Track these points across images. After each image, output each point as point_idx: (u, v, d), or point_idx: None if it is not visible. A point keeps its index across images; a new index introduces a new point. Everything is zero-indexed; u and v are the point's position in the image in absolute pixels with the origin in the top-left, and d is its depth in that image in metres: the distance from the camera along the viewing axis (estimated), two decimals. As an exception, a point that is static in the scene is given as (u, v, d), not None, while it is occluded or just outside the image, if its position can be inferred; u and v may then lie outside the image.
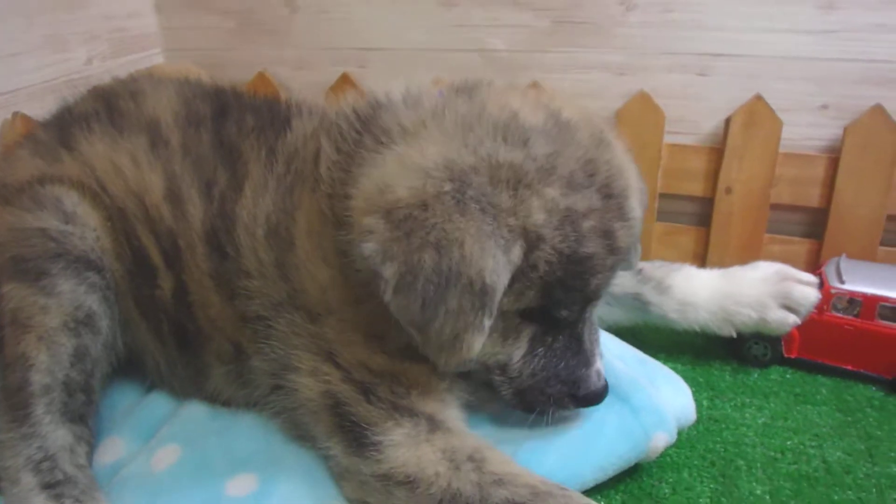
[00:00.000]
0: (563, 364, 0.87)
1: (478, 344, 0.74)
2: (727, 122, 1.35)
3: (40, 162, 0.98)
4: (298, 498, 0.85)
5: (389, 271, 0.71)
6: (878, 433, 1.05)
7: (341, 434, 0.83)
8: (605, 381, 0.90)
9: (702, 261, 1.43)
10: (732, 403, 1.12)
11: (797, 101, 1.34)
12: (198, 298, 0.94)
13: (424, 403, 0.85)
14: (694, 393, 1.13)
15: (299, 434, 0.91)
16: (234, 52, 1.66)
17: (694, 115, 1.40)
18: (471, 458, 0.80)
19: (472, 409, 0.94)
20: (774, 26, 1.31)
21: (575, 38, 1.42)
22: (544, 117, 0.83)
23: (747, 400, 1.13)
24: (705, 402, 1.13)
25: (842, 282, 1.16)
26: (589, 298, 0.85)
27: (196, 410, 1.01)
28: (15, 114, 1.29)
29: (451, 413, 0.88)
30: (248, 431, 0.96)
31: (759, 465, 0.99)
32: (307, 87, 1.61)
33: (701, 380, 1.19)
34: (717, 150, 1.38)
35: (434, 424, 0.83)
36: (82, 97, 1.09)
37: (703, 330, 1.17)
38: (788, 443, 1.03)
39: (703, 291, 1.15)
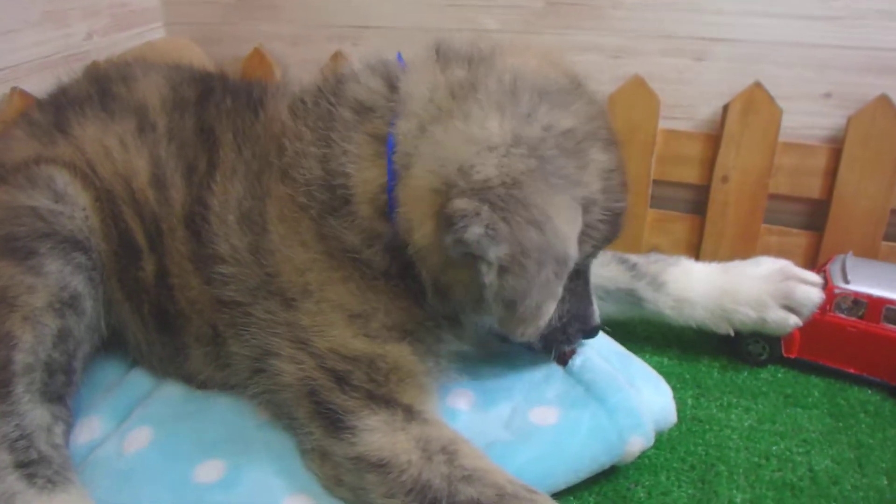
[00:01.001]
0: (580, 304, 0.92)
1: (553, 310, 0.76)
2: (725, 109, 1.29)
3: (36, 143, 0.99)
4: (265, 487, 0.84)
5: (500, 253, 0.71)
6: (870, 441, 1.00)
7: (320, 419, 0.83)
8: None
9: (696, 250, 1.38)
10: (718, 403, 1.08)
11: (799, 88, 1.28)
12: (178, 281, 0.95)
13: (403, 391, 0.84)
14: (678, 390, 1.10)
15: (281, 415, 0.91)
16: (233, 26, 1.62)
17: (690, 100, 1.35)
18: (444, 450, 0.79)
19: (453, 380, 0.95)
20: (775, 11, 1.25)
21: (569, 20, 1.37)
22: (566, 77, 0.85)
23: (734, 400, 1.09)
24: (690, 401, 1.08)
25: (846, 281, 1.10)
26: (610, 243, 0.89)
27: (172, 392, 1.01)
28: (13, 89, 1.28)
29: (429, 403, 0.87)
30: (220, 416, 0.95)
31: (741, 470, 0.95)
32: (302, 63, 1.58)
33: (687, 376, 1.14)
34: (713, 137, 1.33)
35: (411, 414, 0.83)
36: (77, 79, 1.09)
37: (699, 327, 1.12)
38: (774, 448, 0.99)
39: (700, 288, 1.11)
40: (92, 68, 1.13)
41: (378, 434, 0.80)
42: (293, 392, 0.85)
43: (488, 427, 0.93)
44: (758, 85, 1.25)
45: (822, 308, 1.09)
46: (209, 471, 0.86)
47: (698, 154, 1.34)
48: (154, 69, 1.06)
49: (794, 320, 1.07)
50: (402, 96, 0.83)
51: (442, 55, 0.86)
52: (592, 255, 0.88)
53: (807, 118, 1.30)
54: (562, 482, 0.88)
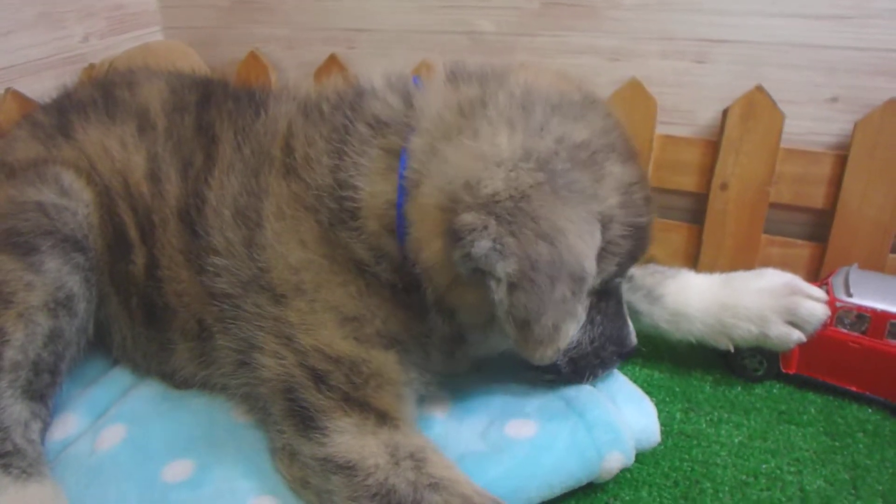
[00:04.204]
0: (614, 325, 0.89)
1: (572, 331, 0.74)
2: (724, 113, 1.25)
3: (38, 145, 1.03)
4: (232, 488, 0.84)
5: (508, 268, 0.70)
6: (867, 462, 0.95)
7: (293, 417, 0.83)
8: None
9: (693, 260, 1.34)
10: (708, 418, 1.04)
11: (803, 92, 1.24)
12: (168, 273, 0.96)
13: (379, 397, 0.83)
14: (667, 403, 1.07)
15: (256, 410, 0.91)
16: (230, 30, 1.63)
17: (689, 104, 1.31)
18: (412, 457, 0.79)
19: (429, 398, 0.94)
20: (779, 10, 1.21)
21: (565, 21, 1.34)
22: (580, 92, 0.85)
23: (725, 415, 1.04)
24: (678, 415, 1.05)
25: (849, 294, 1.05)
26: (637, 261, 0.87)
27: (149, 390, 1.02)
28: (8, 90, 1.31)
29: (404, 410, 0.86)
30: (194, 416, 0.96)
31: (727, 488, 0.91)
32: (297, 67, 1.58)
33: (677, 389, 1.10)
34: (712, 143, 1.28)
35: (383, 420, 0.82)
36: (82, 85, 1.14)
37: (698, 342, 1.08)
38: (764, 466, 0.95)
39: (699, 301, 1.07)
40: (96, 77, 1.16)
41: (347, 436, 0.80)
42: (270, 387, 0.86)
43: (463, 437, 0.92)
44: (759, 88, 1.21)
45: (823, 322, 1.04)
46: (177, 470, 0.86)
47: (697, 160, 1.30)
48: (157, 75, 1.10)
49: (797, 336, 1.03)
50: (416, 113, 0.83)
51: (454, 75, 0.87)
52: (619, 273, 0.86)
53: (811, 123, 1.25)
54: (535, 497, 0.86)
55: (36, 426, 0.88)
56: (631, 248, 0.81)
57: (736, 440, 0.99)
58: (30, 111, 1.14)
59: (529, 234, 0.70)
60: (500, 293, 0.71)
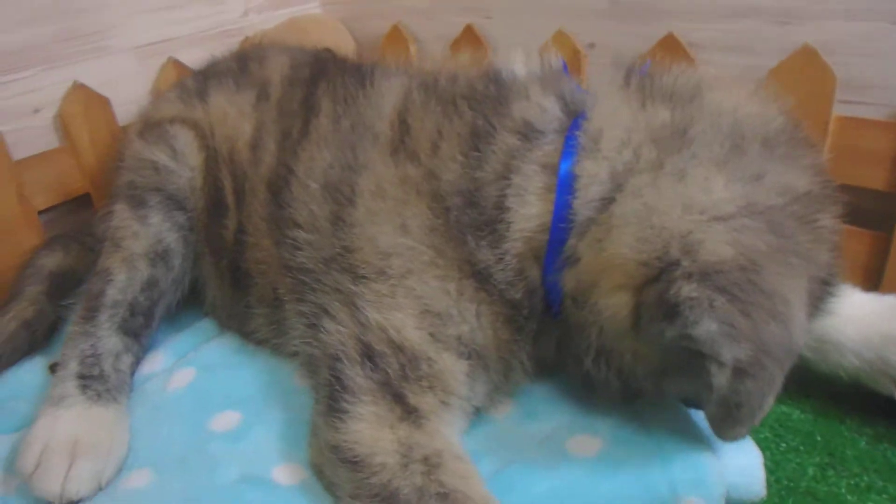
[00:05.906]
0: None
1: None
2: (934, 88, 0.95)
3: (180, 105, 1.12)
4: (267, 448, 0.84)
5: (740, 354, 0.61)
6: None
7: (326, 388, 0.79)
8: None
9: (877, 277, 1.05)
10: (853, 482, 0.79)
11: None
12: (251, 240, 0.99)
13: (421, 396, 0.76)
14: (800, 453, 0.86)
15: (310, 374, 0.89)
16: (382, 3, 1.60)
17: (880, 78, 1.01)
18: (426, 460, 0.71)
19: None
20: None
21: (724, -22, 1.12)
22: (783, 117, 0.74)
23: (878, 482, 0.79)
24: (811, 470, 0.81)
25: None
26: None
27: (227, 342, 1.05)
28: (169, 59, 1.44)
29: (441, 415, 0.77)
30: (256, 372, 0.98)
31: (856, 581, 0.68)
32: (435, 39, 1.53)
33: (819, 438, 0.86)
34: (911, 128, 0.99)
35: (408, 415, 0.75)
36: (227, 56, 1.23)
37: (852, 380, 0.85)
38: (920, 561, 0.69)
39: (857, 328, 0.84)
40: (240, 50, 1.25)
41: (363, 424, 0.74)
42: (322, 352, 0.83)
43: (515, 442, 0.81)
44: None
45: None
46: (223, 421, 0.88)
47: (887, 149, 1.01)
48: (285, 51, 1.15)
49: None
50: (590, 129, 0.74)
51: (634, 85, 0.76)
52: None
53: None
54: (582, 530, 0.71)
55: (127, 359, 0.96)
56: (820, 304, 0.71)
57: (888, 518, 0.74)
58: (183, 77, 1.25)
59: (763, 314, 0.60)
60: (720, 378, 0.60)
